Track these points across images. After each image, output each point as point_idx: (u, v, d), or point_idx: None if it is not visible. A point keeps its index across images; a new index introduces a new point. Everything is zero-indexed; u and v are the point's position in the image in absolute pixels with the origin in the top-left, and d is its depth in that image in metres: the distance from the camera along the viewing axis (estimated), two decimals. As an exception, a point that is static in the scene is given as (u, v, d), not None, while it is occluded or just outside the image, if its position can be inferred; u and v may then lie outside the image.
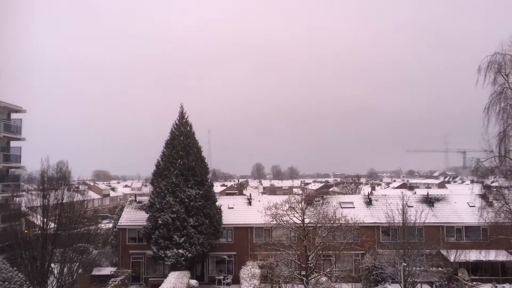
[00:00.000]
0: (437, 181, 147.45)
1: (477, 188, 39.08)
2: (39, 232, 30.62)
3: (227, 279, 41.96)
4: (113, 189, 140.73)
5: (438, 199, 47.95)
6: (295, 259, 33.88)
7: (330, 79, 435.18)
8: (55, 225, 30.62)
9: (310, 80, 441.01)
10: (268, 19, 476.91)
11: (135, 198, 50.12)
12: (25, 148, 42.35)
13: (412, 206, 40.08)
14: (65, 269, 30.34)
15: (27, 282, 28.35)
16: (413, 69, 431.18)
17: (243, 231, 44.48)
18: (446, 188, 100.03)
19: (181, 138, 41.87)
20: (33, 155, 40.99)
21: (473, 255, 39.92)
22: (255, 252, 38.96)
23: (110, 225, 56.86)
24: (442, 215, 44.89)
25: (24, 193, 41.11)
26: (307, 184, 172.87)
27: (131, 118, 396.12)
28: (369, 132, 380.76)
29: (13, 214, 31.80)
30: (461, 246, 40.64)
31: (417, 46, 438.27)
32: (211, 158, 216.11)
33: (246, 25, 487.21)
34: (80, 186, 48.69)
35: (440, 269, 37.00)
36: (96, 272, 41.48)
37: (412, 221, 35.81)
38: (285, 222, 34.10)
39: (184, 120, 42.78)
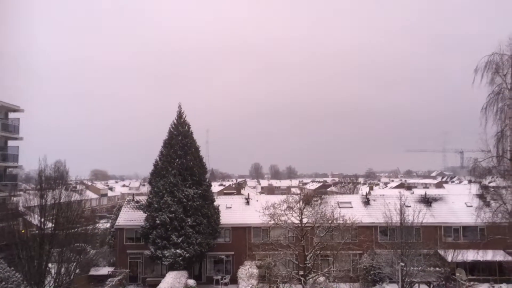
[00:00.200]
0: (435, 181, 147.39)
1: (474, 188, 39.10)
2: (37, 231, 30.52)
3: (225, 279, 41.95)
4: (111, 188, 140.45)
5: (435, 199, 48.03)
6: (293, 259, 33.90)
7: (328, 79, 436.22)
8: (53, 225, 30.53)
9: (308, 80, 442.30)
10: (267, 19, 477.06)
11: (133, 197, 50.04)
12: (22, 148, 42.32)
13: (410, 206, 40.10)
14: (63, 269, 30.23)
15: (25, 282, 28.28)
16: (412, 69, 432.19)
17: (241, 231, 44.45)
18: (444, 188, 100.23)
19: (179, 138, 41.84)
20: (31, 155, 40.92)
21: (471, 255, 39.97)
22: (253, 252, 38.95)
23: (108, 225, 56.68)
24: (439, 215, 44.95)
25: (21, 192, 41.07)
26: (305, 184, 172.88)
27: (130, 118, 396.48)
28: (367, 132, 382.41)
29: (11, 213, 31.68)
30: (459, 246, 40.69)
31: (415, 46, 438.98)
32: (209, 157, 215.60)
33: (245, 25, 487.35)
34: (78, 186, 48.82)
35: (437, 269, 37.03)
36: (93, 272, 41.38)
37: (409, 221, 35.85)
38: (283, 222, 34.13)
39: (182, 120, 42.74)
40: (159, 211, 39.37)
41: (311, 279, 32.95)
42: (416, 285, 35.37)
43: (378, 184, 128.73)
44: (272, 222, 34.49)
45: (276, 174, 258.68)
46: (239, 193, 71.29)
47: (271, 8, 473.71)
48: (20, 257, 29.03)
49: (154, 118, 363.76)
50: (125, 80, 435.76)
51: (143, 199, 47.53)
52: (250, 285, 34.06)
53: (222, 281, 41.61)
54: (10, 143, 41.64)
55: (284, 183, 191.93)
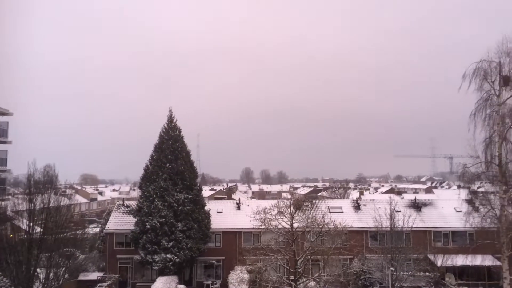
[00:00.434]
0: (425, 186, 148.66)
1: (463, 194, 39.52)
2: (25, 236, 30.22)
3: (216, 284, 41.78)
4: (100, 193, 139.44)
5: (425, 204, 48.34)
6: (284, 264, 33.88)
7: (319, 86, 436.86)
8: (41, 230, 30.24)
9: (299, 86, 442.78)
10: (260, 23, 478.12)
11: (123, 202, 49.71)
12: (11, 151, 41.75)
13: (400, 211, 40.36)
14: (51, 274, 29.98)
15: (12, 287, 27.95)
16: (402, 76, 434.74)
17: (232, 236, 44.36)
18: (433, 193, 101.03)
19: (170, 142, 41.71)
20: (20, 159, 40.52)
21: (460, 260, 40.29)
22: (244, 257, 38.91)
23: (97, 230, 56.23)
24: (429, 220, 45.25)
25: (10, 197, 40.54)
26: (296, 188, 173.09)
27: (120, 122, 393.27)
28: (358, 138, 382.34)
29: (-2, 218, 31.37)
30: (448, 251, 40.98)
31: (406, 54, 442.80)
32: (200, 162, 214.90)
33: (237, 29, 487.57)
34: (67, 190, 48.06)
35: (427, 273, 37.26)
36: (82, 277, 40.92)
37: (399, 226, 36.08)
38: (273, 227, 34.12)
39: (173, 124, 42.64)
40: (149, 215, 39.14)
41: (301, 284, 32.94)
42: (406, 289, 35.52)
43: (369, 189, 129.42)
44: (263, 226, 34.47)
45: (267, 179, 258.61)
46: (230, 197, 71.25)
47: (263, 12, 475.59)
48: (8, 262, 28.72)
49: (144, 123, 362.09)
50: (116, 84, 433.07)
51: (133, 203, 47.20)
52: (241, 290, 33.98)
53: (212, 286, 41.43)
54: (-2, 146, 41.11)
55: (275, 188, 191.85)
